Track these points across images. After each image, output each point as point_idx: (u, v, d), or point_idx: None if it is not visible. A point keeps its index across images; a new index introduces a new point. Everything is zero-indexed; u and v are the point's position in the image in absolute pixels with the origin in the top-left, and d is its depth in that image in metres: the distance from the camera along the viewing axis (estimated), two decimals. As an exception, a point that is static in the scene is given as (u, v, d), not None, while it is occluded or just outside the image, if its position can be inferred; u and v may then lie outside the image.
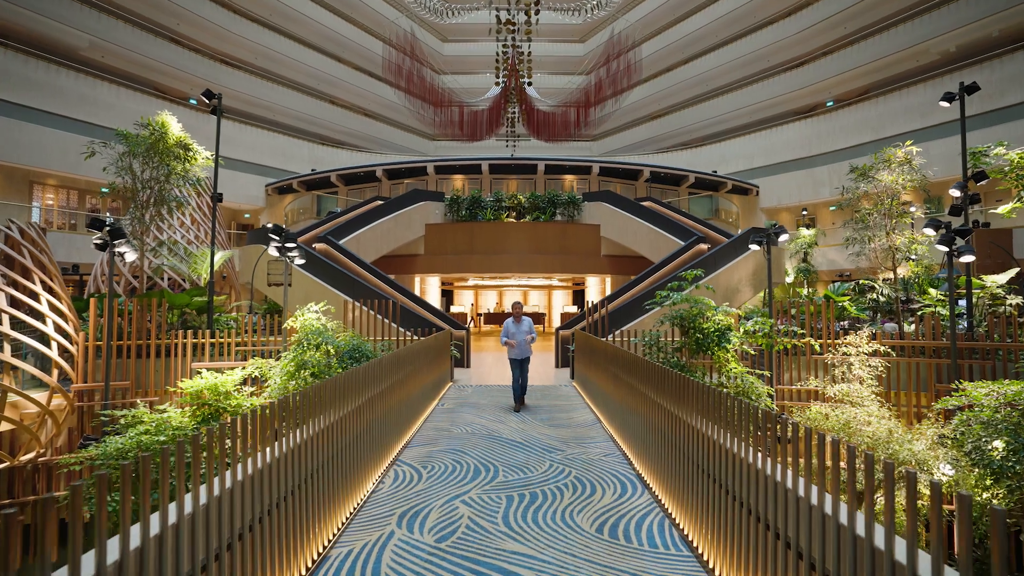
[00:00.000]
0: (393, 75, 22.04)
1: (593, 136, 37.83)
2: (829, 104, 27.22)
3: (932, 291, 10.19)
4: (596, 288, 23.70)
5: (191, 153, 9.53)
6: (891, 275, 9.87)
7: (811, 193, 25.11)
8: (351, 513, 3.93)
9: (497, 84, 20.34)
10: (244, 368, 7.73)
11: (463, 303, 29.39)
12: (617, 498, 4.29)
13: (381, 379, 5.02)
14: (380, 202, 18.30)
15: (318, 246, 14.68)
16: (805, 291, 19.76)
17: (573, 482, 4.66)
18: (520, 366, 7.97)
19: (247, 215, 28.16)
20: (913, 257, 11.77)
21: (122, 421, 6.48)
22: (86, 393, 8.16)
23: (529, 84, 19.87)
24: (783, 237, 8.56)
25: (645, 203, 18.62)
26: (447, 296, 28.51)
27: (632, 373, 5.17)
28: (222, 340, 9.11)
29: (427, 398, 7.77)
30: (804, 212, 23.78)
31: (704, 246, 14.74)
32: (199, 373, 7.34)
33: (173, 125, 9.52)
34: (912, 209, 9.46)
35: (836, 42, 26.42)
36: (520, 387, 7.98)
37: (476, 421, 7.07)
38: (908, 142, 9.59)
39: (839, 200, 10.79)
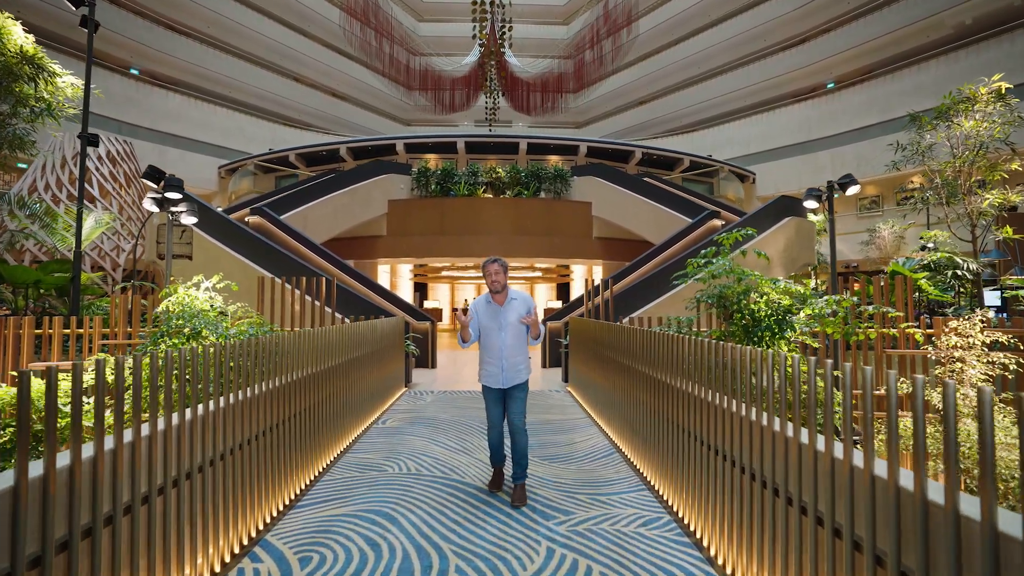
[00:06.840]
0: (354, 41, 19.50)
1: (578, 123, 35.79)
2: (830, 85, 25.47)
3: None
4: (584, 280, 21.45)
5: (45, 74, 6.85)
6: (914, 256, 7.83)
7: (812, 179, 23.33)
8: None
9: (474, 37, 17.88)
10: (85, 370, 5.23)
11: (439, 298, 26.99)
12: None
13: (234, 382, 2.57)
14: (334, 174, 15.63)
15: (252, 219, 12.01)
16: (813, 282, 17.89)
17: (598, 601, 2.27)
18: (504, 403, 3.58)
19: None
20: (930, 246, 10.09)
21: None
22: None
23: (510, 45, 17.47)
24: (852, 189, 6.34)
25: (645, 178, 16.34)
26: (421, 290, 26.11)
27: (712, 380, 2.81)
28: (80, 331, 6.52)
29: (359, 411, 5.32)
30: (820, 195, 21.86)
31: (718, 222, 12.51)
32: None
33: (16, 33, 6.84)
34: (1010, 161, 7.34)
35: (839, 18, 24.72)
36: (516, 452, 3.48)
37: (428, 450, 4.64)
38: (996, 76, 7.48)
39: (894, 160, 8.70)
